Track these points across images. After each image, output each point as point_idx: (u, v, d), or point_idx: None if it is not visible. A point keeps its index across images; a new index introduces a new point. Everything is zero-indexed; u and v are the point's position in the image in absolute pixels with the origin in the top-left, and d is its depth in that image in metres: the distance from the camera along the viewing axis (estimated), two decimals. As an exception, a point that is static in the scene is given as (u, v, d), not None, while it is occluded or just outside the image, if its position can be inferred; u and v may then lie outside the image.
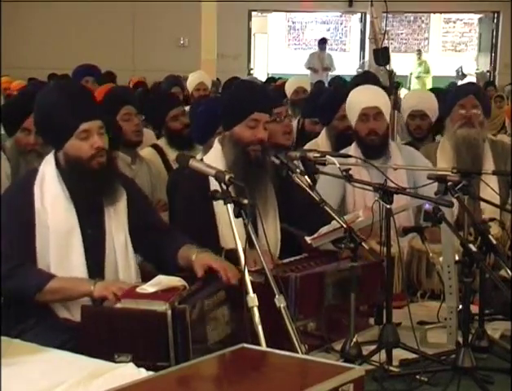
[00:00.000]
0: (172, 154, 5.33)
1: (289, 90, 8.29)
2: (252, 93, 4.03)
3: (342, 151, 4.42)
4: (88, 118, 3.37)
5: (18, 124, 4.63)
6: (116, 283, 3.27)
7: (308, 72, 16.41)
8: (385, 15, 5.37)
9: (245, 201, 3.06)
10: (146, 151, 5.44)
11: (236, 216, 3.07)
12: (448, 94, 5.34)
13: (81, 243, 3.37)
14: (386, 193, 3.39)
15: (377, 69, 6.91)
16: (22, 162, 4.53)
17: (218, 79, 12.39)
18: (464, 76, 18.10)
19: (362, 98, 4.69)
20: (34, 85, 7.31)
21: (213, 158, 3.94)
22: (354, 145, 4.72)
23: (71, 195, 3.40)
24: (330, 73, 16.08)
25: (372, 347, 3.39)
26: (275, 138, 4.79)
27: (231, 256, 3.49)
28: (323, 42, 17.40)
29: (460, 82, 15.01)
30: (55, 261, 3.34)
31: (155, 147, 5.59)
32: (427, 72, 18.83)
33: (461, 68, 18.57)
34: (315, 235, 3.69)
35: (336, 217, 3.39)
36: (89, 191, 3.40)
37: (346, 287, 3.39)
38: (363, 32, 18.81)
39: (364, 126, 4.61)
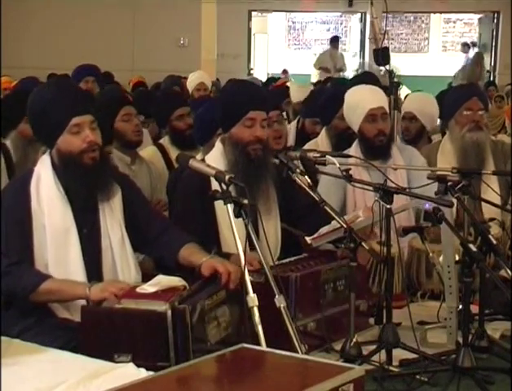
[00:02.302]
0: (175, 153, 5.32)
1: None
2: (245, 92, 3.99)
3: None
4: (79, 112, 3.38)
5: (15, 121, 4.74)
6: (112, 282, 3.26)
7: (309, 72, 16.13)
8: (385, 15, 5.37)
9: (245, 201, 3.06)
10: (149, 150, 5.43)
11: (237, 216, 3.07)
12: (449, 95, 5.32)
13: (78, 243, 3.37)
14: (385, 193, 3.39)
15: (377, 69, 6.91)
16: (31, 151, 4.61)
17: (218, 79, 12.38)
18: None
19: (368, 99, 4.65)
20: (26, 82, 7.35)
21: (214, 158, 3.93)
22: (354, 145, 4.71)
23: (66, 194, 3.40)
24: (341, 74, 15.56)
25: (372, 347, 3.39)
26: None
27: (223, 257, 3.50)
28: (335, 40, 16.72)
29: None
30: (53, 261, 3.34)
31: (158, 146, 5.58)
32: None
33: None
34: (315, 235, 3.69)
35: (336, 217, 3.39)
36: (83, 187, 3.39)
37: (345, 287, 3.39)
38: (363, 33, 18.76)
39: (372, 127, 4.58)
